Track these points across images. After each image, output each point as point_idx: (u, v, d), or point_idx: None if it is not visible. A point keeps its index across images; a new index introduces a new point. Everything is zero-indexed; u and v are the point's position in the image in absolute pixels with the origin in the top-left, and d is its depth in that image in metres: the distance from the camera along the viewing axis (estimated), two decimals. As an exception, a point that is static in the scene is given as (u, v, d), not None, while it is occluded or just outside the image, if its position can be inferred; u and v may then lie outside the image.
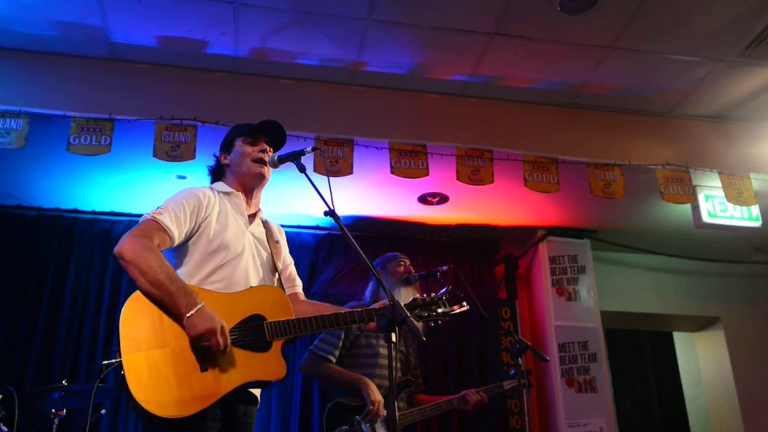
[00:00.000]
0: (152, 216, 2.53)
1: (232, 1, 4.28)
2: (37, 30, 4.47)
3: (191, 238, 2.63)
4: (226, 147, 2.95)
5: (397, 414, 2.94)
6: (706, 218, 5.40)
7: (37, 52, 4.65)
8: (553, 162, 5.11)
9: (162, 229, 2.50)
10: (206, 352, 2.36)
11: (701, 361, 7.29)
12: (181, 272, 2.56)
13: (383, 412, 3.66)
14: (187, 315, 2.33)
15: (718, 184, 5.29)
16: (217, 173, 2.97)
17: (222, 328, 2.35)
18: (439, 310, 2.90)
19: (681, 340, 7.67)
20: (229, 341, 2.38)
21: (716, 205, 5.45)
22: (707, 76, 5.07)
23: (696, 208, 5.43)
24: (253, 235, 2.81)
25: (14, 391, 3.82)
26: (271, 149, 2.92)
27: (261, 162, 2.85)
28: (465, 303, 3.00)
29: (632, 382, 7.79)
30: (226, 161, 2.91)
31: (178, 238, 2.56)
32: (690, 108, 5.46)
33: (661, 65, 4.96)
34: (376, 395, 3.71)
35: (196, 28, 4.51)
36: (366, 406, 3.71)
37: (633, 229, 6.34)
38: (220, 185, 2.87)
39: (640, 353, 7.96)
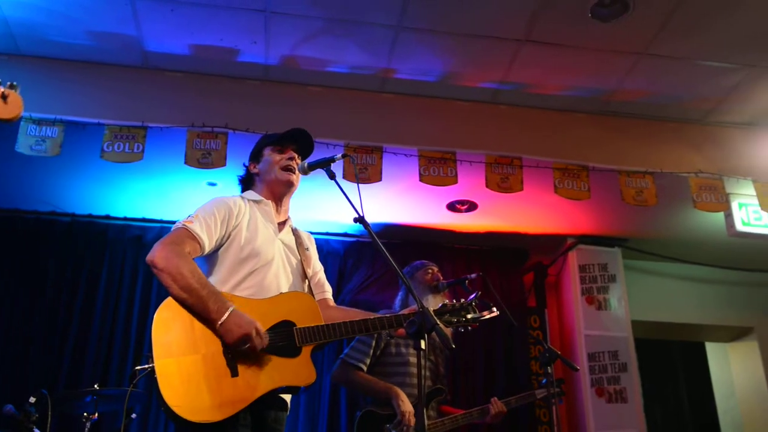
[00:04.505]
0: (183, 224, 2.56)
1: (263, 10, 4.32)
2: (72, 39, 4.54)
3: (222, 246, 2.66)
4: (255, 156, 2.99)
5: (426, 423, 2.91)
6: (739, 227, 5.33)
7: (73, 61, 4.73)
8: (583, 169, 5.06)
9: (193, 237, 2.53)
10: (239, 356, 2.38)
11: (734, 372, 7.17)
12: (213, 280, 2.58)
13: (413, 422, 3.62)
14: (220, 322, 2.36)
15: (752, 192, 5.22)
16: (246, 182, 3.01)
17: (257, 329, 2.38)
18: (469, 316, 2.83)
19: (714, 351, 7.54)
20: (266, 340, 2.41)
21: (750, 214, 5.37)
22: (741, 82, 5.00)
23: (729, 216, 5.35)
24: (282, 242, 2.82)
25: (47, 394, 3.86)
26: (300, 157, 2.94)
27: (289, 169, 2.88)
28: (494, 309, 2.96)
29: (663, 393, 7.67)
30: (256, 170, 2.95)
31: (208, 246, 2.59)
32: (724, 115, 5.38)
33: (695, 71, 4.90)
34: (407, 405, 3.66)
35: (228, 37, 4.56)
36: (396, 415, 3.68)
37: (665, 238, 6.25)
38: (251, 194, 2.90)
39: (672, 363, 7.84)
